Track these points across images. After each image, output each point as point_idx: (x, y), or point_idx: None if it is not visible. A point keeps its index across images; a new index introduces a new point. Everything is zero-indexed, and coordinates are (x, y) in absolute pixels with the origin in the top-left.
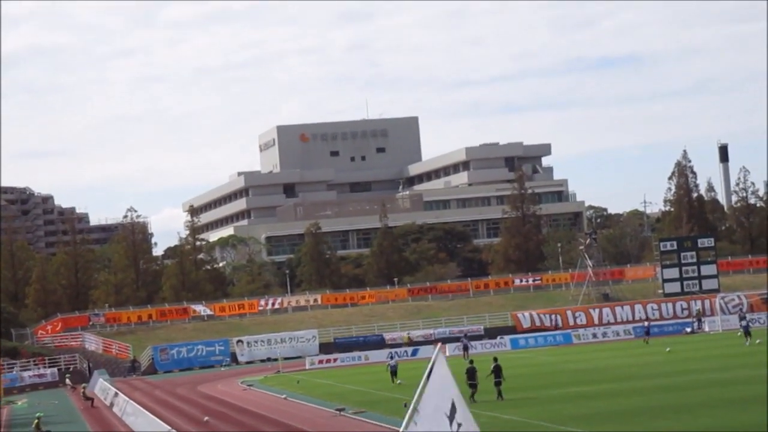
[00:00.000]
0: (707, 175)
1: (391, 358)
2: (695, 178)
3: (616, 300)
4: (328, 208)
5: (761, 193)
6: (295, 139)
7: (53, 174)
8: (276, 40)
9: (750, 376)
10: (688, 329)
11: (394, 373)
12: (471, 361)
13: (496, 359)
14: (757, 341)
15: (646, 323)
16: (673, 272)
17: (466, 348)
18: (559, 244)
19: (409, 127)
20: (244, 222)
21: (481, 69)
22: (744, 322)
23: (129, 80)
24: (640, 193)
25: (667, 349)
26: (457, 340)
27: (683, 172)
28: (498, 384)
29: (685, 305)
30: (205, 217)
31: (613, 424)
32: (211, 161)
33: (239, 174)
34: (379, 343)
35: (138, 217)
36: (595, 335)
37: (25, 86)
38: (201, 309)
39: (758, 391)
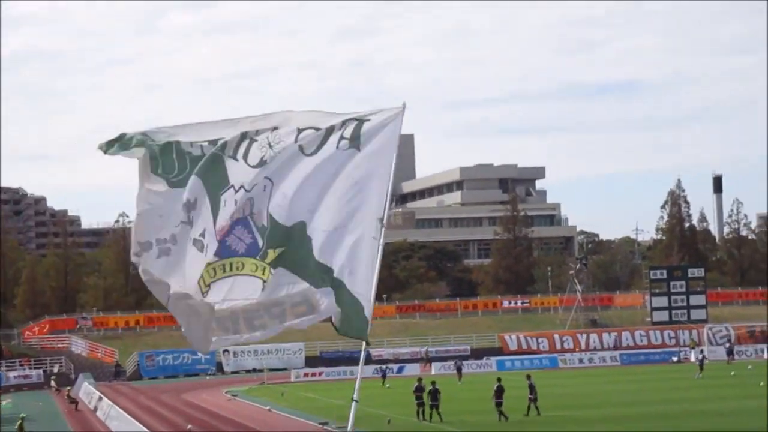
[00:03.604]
0: (700, 205)
1: (383, 371)
2: (688, 207)
3: (604, 326)
4: None
5: (753, 225)
6: None
7: (47, 176)
8: (275, 53)
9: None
10: (675, 358)
11: (384, 376)
12: (499, 379)
13: (529, 376)
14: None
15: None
16: (662, 301)
17: (459, 369)
18: (549, 268)
19: (404, 145)
20: None
21: (478, 90)
22: (701, 355)
23: (127, 88)
24: (632, 220)
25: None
26: (443, 360)
27: (676, 202)
28: (533, 400)
29: (672, 334)
30: None
31: None
32: None
33: None
34: (365, 359)
35: (129, 222)
36: (581, 360)
37: (23, 89)
38: None
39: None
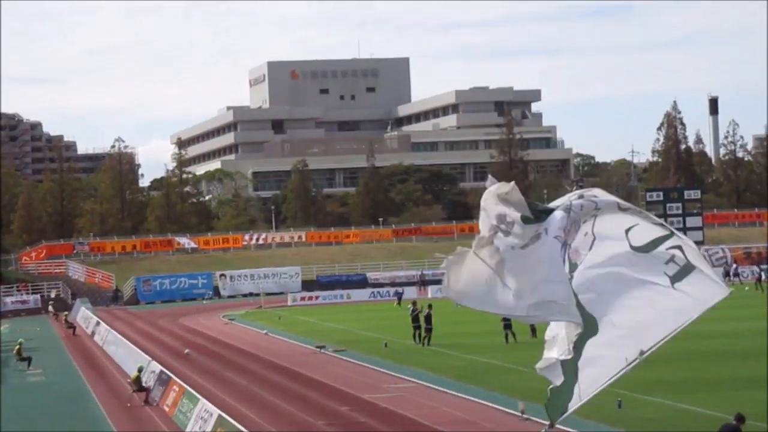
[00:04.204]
0: (696, 127)
1: (397, 292)
2: (684, 129)
3: None
4: (316, 145)
5: (750, 147)
6: (285, 76)
7: (42, 101)
8: None
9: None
10: None
11: (399, 298)
12: None
13: None
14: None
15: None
16: None
17: None
18: (545, 191)
19: (399, 68)
20: (232, 156)
21: (473, 12)
22: None
23: (120, 10)
24: (628, 142)
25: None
26: (440, 282)
27: (672, 124)
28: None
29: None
30: (193, 150)
31: None
32: (201, 95)
33: (228, 108)
34: (361, 283)
35: (125, 147)
36: None
37: (16, 13)
38: (185, 241)
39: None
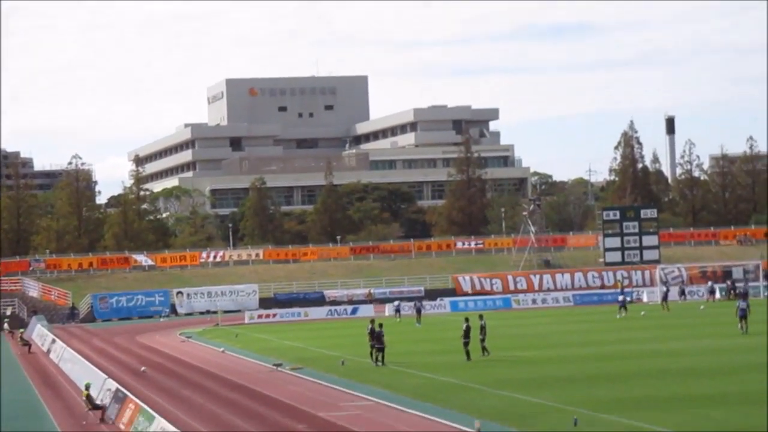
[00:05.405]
0: (653, 146)
1: (397, 309)
2: (641, 149)
3: (557, 267)
4: (274, 163)
5: (706, 166)
6: (243, 93)
7: None
8: None
9: (682, 348)
10: (628, 298)
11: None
12: (467, 319)
13: (481, 317)
14: (641, 313)
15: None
16: (615, 241)
17: (419, 311)
18: (503, 209)
19: (358, 86)
20: (189, 174)
21: (431, 31)
22: (621, 297)
23: (79, 27)
24: (585, 161)
25: (642, 313)
26: (394, 300)
27: (629, 143)
28: (482, 340)
29: (625, 274)
30: (150, 168)
31: (550, 390)
32: (159, 112)
33: (186, 125)
34: (319, 300)
35: (82, 164)
36: (534, 301)
37: None
38: (142, 259)
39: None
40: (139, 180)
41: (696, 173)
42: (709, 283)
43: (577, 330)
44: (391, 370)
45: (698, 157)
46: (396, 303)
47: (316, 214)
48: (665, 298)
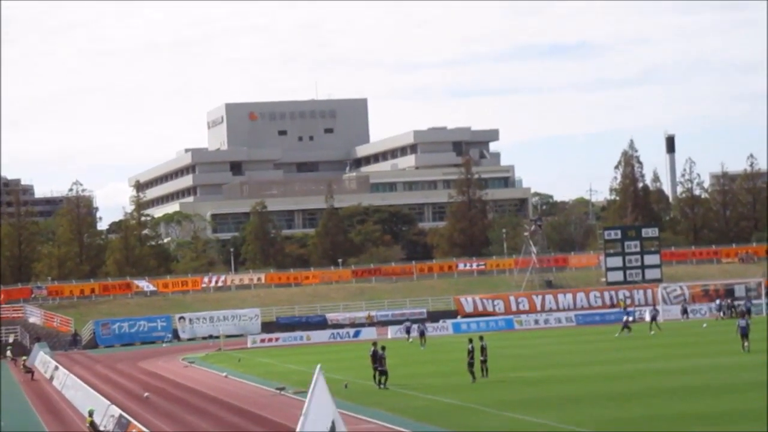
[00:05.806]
0: (653, 165)
1: (408, 330)
2: (641, 167)
3: (559, 287)
4: (275, 187)
5: (706, 184)
6: (243, 117)
7: None
8: (226, 17)
9: (685, 366)
10: (631, 318)
11: (422, 335)
12: (471, 341)
13: (482, 338)
14: (652, 333)
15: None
16: (617, 261)
17: (422, 333)
18: (504, 230)
19: (357, 109)
20: (190, 199)
21: (431, 53)
22: (625, 317)
23: (79, 53)
24: (586, 181)
25: (651, 332)
26: (399, 323)
27: (629, 162)
28: (483, 362)
29: (627, 293)
30: (151, 193)
31: (553, 411)
32: (159, 137)
33: (186, 150)
34: (321, 324)
35: (83, 190)
36: (537, 321)
37: None
38: (144, 284)
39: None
40: (140, 205)
41: (697, 191)
42: (717, 301)
43: (580, 350)
44: (395, 393)
45: (699, 175)
46: (406, 324)
47: (318, 237)
48: (654, 318)
